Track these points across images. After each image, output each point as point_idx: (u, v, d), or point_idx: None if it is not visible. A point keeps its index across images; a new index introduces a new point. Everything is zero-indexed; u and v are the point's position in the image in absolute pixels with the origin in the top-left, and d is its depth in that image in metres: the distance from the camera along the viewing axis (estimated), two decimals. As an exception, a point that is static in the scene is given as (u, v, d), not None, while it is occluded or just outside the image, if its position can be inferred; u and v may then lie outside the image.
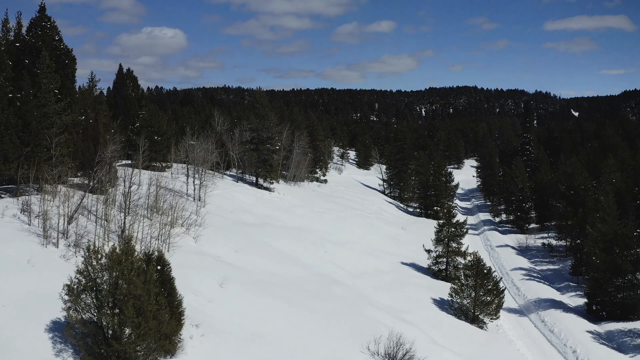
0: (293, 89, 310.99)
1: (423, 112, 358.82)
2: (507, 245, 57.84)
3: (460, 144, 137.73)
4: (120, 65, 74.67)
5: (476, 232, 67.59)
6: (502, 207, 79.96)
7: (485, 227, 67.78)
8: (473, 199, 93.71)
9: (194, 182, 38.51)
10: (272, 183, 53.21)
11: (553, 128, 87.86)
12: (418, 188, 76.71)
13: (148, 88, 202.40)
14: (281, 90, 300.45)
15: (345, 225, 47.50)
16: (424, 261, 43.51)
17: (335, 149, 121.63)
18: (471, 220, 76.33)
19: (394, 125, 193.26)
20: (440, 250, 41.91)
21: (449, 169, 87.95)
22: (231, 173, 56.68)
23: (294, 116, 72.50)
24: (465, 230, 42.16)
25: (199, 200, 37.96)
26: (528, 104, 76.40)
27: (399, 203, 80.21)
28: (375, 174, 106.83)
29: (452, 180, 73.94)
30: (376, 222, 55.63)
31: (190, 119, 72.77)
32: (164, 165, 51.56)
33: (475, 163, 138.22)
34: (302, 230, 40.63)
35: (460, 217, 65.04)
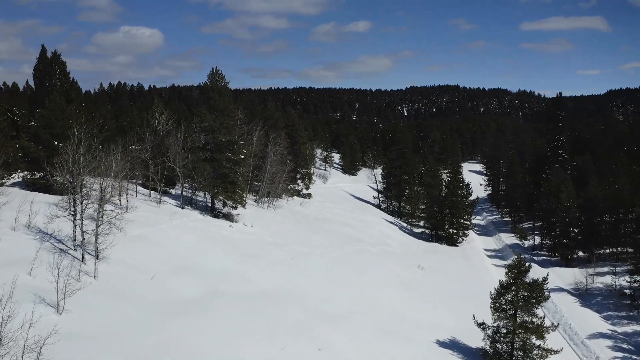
0: (270, 87, 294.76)
1: (405, 112, 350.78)
2: (560, 289, 42.44)
3: (456, 146, 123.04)
4: (43, 46, 57.01)
5: (504, 261, 52.16)
6: (527, 224, 65.03)
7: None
8: (484, 213, 78.42)
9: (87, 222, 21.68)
10: (237, 207, 36.69)
11: (581, 128, 73.36)
12: (426, 203, 61.06)
13: (110, 84, 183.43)
14: (258, 89, 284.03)
15: (346, 277, 31.34)
16: (468, 332, 27.94)
17: (318, 151, 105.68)
18: (491, 243, 61.05)
19: (378, 125, 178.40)
20: (502, 324, 26.13)
21: (442, 174, 72.86)
22: (178, 191, 39.93)
23: (269, 113, 56.20)
24: (545, 294, 26.31)
25: (97, 257, 21.29)
26: (559, 98, 60.90)
27: (399, 221, 64.47)
28: (366, 182, 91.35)
29: (471, 194, 58.42)
30: (383, 260, 39.66)
31: (132, 116, 55.95)
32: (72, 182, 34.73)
33: (475, 167, 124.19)
34: (278, 300, 24.32)
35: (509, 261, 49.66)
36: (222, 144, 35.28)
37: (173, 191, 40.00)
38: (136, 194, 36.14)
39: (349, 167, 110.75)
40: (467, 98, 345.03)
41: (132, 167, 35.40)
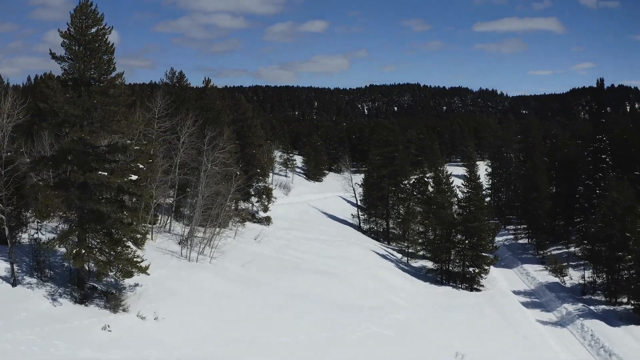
0: (226, 86, 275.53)
1: (365, 110, 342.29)
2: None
3: (435, 146, 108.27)
4: None
5: (551, 313, 36.17)
6: (555, 249, 49.83)
7: (568, 307, 36.50)
8: (488, 231, 62.66)
9: None
10: (132, 274, 18.74)
11: (607, 127, 59.01)
12: (426, 225, 44.75)
13: (44, 73, 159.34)
14: (212, 86, 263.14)
15: None
16: None
17: (278, 153, 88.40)
18: (516, 279, 45.21)
19: (343, 124, 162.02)
20: None
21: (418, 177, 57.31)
22: (35, 236, 21.59)
23: (209, 102, 38.21)
24: None
25: None
26: (601, 88, 46.00)
27: (390, 250, 48.02)
28: (335, 191, 74.89)
29: (493, 215, 42.28)
30: (403, 350, 22.66)
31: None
32: None
33: (458, 170, 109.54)
34: None
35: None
36: (92, 153, 17.37)
37: (24, 236, 21.66)
38: None
39: (314, 172, 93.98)
40: (429, 96, 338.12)
41: None
